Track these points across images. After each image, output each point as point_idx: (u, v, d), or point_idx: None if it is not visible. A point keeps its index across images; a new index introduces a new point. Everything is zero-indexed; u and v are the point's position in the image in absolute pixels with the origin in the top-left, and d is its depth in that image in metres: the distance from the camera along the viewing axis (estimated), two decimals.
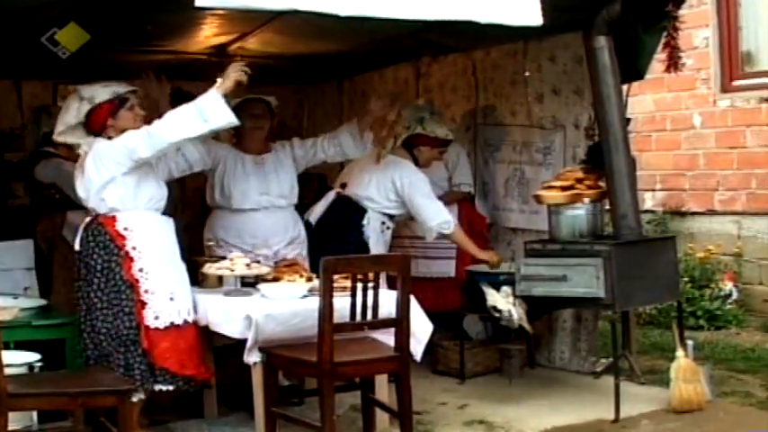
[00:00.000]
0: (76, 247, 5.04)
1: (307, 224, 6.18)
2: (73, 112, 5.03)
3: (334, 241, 5.99)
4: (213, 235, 5.86)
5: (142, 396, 4.87)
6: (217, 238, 5.83)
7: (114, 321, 4.90)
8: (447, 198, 6.58)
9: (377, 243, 6.15)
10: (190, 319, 5.01)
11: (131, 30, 5.44)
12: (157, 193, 5.10)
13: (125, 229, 4.94)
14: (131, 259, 4.90)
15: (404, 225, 6.60)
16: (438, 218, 6.06)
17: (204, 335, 5.13)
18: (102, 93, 5.01)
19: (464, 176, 6.84)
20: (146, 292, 4.89)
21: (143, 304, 4.88)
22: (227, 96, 4.91)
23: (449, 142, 6.46)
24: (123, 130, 4.96)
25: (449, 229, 6.07)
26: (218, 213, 5.92)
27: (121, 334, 4.88)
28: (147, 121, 5.00)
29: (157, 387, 4.89)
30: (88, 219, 5.04)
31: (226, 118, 4.85)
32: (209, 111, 4.81)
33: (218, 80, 4.88)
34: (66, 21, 5.05)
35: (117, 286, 4.90)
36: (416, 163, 6.30)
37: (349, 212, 6.19)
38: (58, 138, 5.14)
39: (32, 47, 5.24)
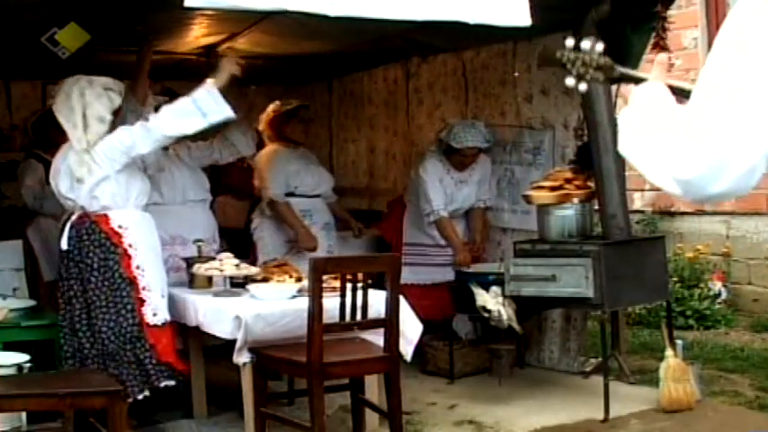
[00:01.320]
0: (63, 245, 4.99)
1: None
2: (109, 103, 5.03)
3: None
4: (167, 233, 5.67)
5: (147, 393, 4.87)
6: (174, 235, 5.72)
7: (117, 319, 4.87)
8: (473, 222, 6.70)
9: (268, 233, 6.46)
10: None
11: (120, 30, 5.43)
12: (143, 190, 5.11)
13: (119, 226, 4.93)
14: (129, 257, 4.90)
15: (426, 234, 6.60)
16: (268, 192, 6.38)
17: (193, 335, 5.13)
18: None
19: (487, 191, 6.72)
20: (143, 289, 4.89)
21: (142, 301, 4.88)
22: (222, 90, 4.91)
23: (297, 108, 6.60)
24: None
25: (273, 207, 6.42)
26: (161, 209, 5.63)
27: (125, 331, 4.86)
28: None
29: (163, 383, 4.86)
30: (74, 217, 5.00)
31: (223, 112, 4.87)
32: (207, 105, 4.83)
33: (209, 79, 4.89)
34: (61, 20, 5.04)
35: (116, 284, 4.88)
36: (294, 142, 6.59)
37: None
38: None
39: (21, 47, 5.22)
